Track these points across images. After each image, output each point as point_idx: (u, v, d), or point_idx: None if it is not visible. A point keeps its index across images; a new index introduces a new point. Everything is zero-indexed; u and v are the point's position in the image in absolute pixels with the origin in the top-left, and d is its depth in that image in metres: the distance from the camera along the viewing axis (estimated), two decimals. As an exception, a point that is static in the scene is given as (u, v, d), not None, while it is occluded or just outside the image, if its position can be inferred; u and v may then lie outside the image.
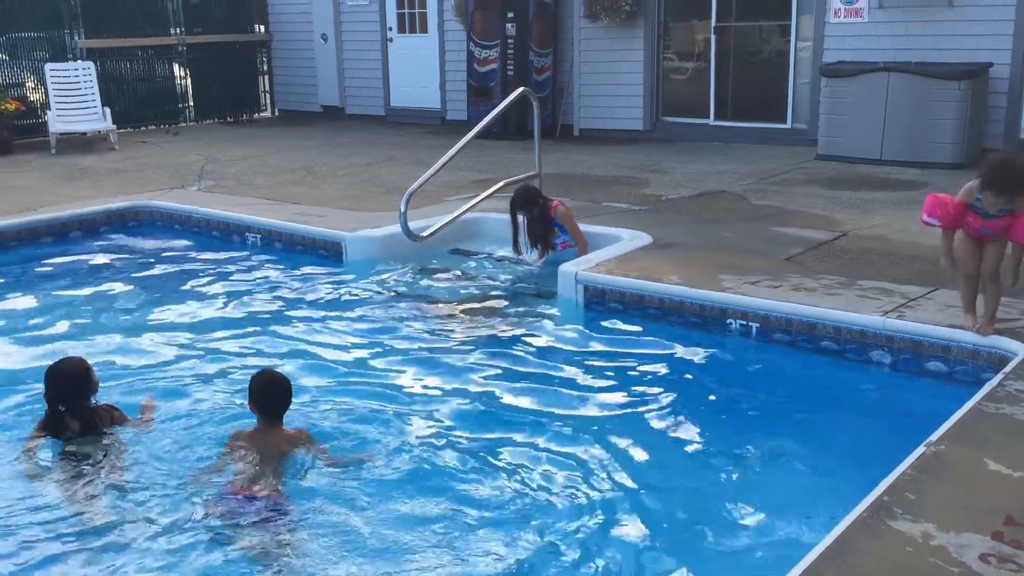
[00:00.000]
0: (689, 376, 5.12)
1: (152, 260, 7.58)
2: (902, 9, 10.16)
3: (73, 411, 4.16)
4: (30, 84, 13.50)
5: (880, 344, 5.02)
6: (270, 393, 4.09)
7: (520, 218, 6.89)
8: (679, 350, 5.41)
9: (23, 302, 6.47)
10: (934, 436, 3.76)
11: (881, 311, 5.12)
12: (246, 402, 4.15)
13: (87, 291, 6.67)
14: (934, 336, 4.87)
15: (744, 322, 5.42)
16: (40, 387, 4.27)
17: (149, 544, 3.54)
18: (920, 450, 3.64)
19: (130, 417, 4.37)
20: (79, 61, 13.22)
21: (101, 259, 7.62)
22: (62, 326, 5.88)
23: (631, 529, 3.66)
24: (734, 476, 4.08)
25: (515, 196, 6.87)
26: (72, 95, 12.72)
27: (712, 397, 4.91)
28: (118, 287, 6.77)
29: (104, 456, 4.08)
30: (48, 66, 12.76)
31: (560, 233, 6.93)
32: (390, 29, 14.58)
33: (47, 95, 12.72)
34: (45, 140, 12.33)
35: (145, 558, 3.46)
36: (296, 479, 3.91)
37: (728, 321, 5.48)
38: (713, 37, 11.91)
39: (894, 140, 9.79)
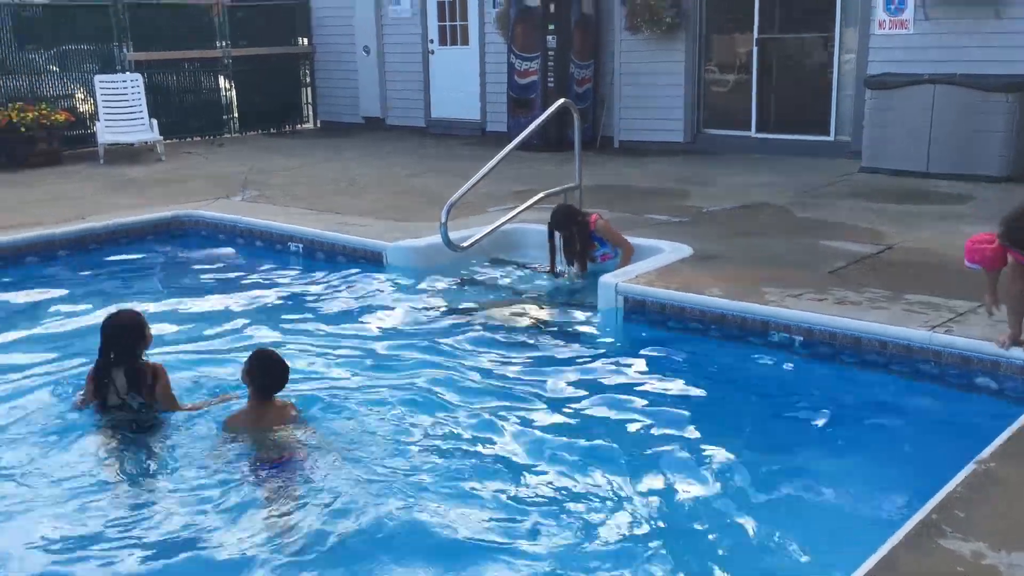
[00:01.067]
0: (730, 389, 5.07)
1: (195, 268, 7.69)
2: (948, 20, 10.02)
3: (121, 360, 4.37)
4: (80, 95, 13.78)
5: (927, 359, 4.94)
6: (273, 371, 4.28)
7: (557, 237, 6.87)
8: (720, 363, 5.37)
9: (71, 308, 6.58)
10: (984, 453, 3.70)
11: (928, 325, 5.04)
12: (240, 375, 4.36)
13: (132, 299, 6.76)
14: (982, 352, 4.78)
15: (787, 335, 5.36)
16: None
17: (185, 513, 3.80)
18: (970, 467, 3.58)
19: (176, 395, 4.58)
20: (127, 73, 13.47)
21: (147, 267, 7.74)
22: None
23: (669, 539, 3.63)
24: (777, 492, 4.03)
25: (554, 216, 6.86)
26: (120, 106, 12.96)
27: (753, 411, 4.86)
28: (163, 295, 6.87)
29: (141, 433, 4.33)
30: (97, 78, 13.02)
31: (600, 246, 6.91)
32: (431, 41, 14.68)
33: (96, 106, 12.98)
34: (94, 150, 12.57)
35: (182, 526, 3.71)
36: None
37: (770, 334, 5.42)
38: (755, 49, 11.85)
39: (940, 153, 9.65)
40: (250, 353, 4.41)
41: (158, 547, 3.59)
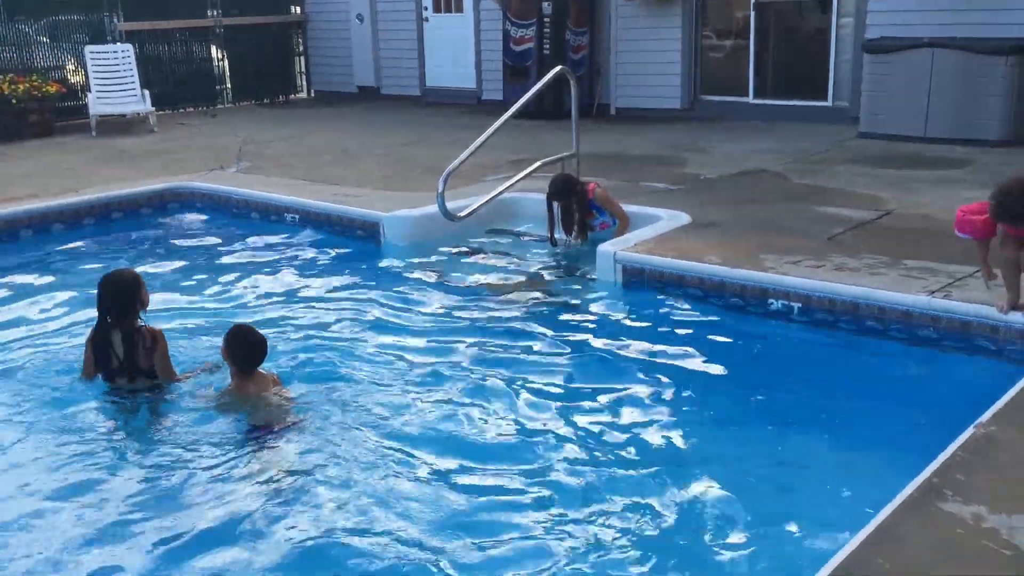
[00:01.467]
0: (730, 356, 5.06)
1: (190, 241, 7.65)
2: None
3: (118, 321, 4.42)
4: (71, 66, 13.66)
5: (926, 324, 4.93)
6: (250, 346, 4.33)
7: (556, 206, 6.83)
8: (719, 331, 5.36)
9: (65, 280, 6.55)
10: (984, 417, 3.70)
11: (927, 291, 5.03)
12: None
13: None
14: (982, 316, 4.77)
15: (786, 302, 5.35)
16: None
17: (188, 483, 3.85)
18: (970, 431, 3.58)
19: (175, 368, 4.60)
20: (118, 44, 13.33)
21: (141, 239, 7.70)
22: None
23: (666, 505, 3.63)
24: (777, 458, 4.03)
25: (552, 185, 6.82)
26: (112, 77, 12.84)
27: (753, 379, 4.84)
28: (158, 267, 6.83)
29: (141, 403, 4.39)
30: (88, 48, 12.88)
31: (598, 215, 6.88)
32: (425, 9, 14.54)
33: (87, 77, 12.85)
34: (86, 122, 12.47)
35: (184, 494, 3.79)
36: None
37: (769, 301, 5.41)
38: (752, 14, 11.74)
39: (939, 117, 9.59)
40: (226, 331, 4.41)
41: (153, 518, 3.61)
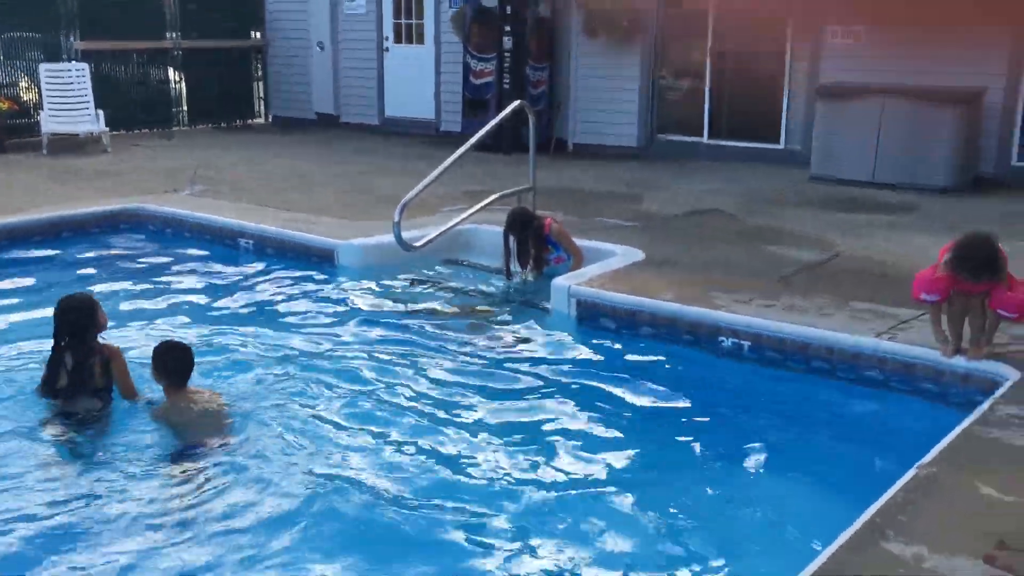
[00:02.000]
0: (680, 393, 5.09)
1: (142, 263, 7.53)
2: (899, 32, 10.20)
3: (73, 343, 4.41)
4: (24, 84, 13.44)
5: (872, 365, 5.02)
6: (173, 359, 4.38)
7: (512, 240, 6.86)
8: (670, 367, 5.40)
9: (9, 302, 6.41)
10: (926, 459, 3.76)
11: (873, 332, 5.13)
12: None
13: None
14: (926, 359, 4.88)
15: (736, 340, 5.42)
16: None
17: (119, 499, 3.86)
18: (912, 472, 3.64)
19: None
20: (74, 62, 13.17)
21: (91, 261, 7.57)
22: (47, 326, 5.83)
23: (614, 545, 3.63)
24: (721, 496, 4.06)
25: (509, 218, 6.85)
26: (65, 96, 12.66)
27: (702, 415, 4.88)
28: (107, 289, 6.71)
29: (85, 423, 4.37)
30: (42, 66, 12.70)
31: (553, 250, 6.91)
32: (386, 39, 14.59)
33: (40, 95, 12.66)
34: (37, 140, 12.25)
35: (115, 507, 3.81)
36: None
37: (720, 339, 5.47)
38: (709, 57, 11.96)
39: (888, 163, 9.82)
40: (152, 349, 4.46)
41: (75, 534, 3.61)
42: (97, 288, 6.68)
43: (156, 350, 4.44)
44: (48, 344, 4.53)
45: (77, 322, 4.44)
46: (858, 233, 7.79)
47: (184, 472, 4.01)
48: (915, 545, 3.12)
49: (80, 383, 4.41)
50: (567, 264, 6.82)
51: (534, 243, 6.84)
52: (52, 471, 4.05)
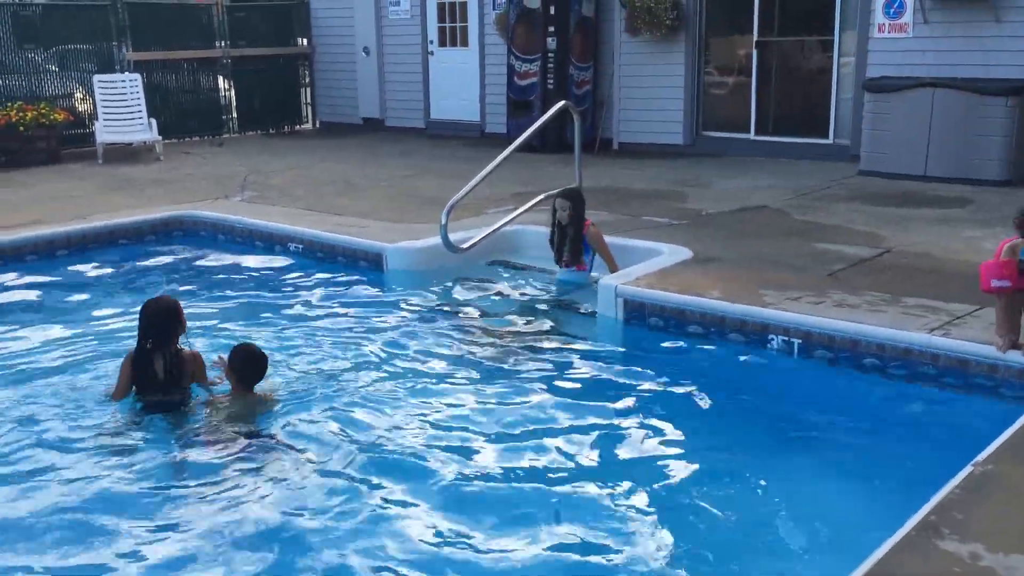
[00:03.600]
0: (729, 392, 5.08)
1: (195, 268, 7.69)
2: (946, 24, 10.04)
3: (159, 345, 4.58)
4: (79, 95, 13.78)
5: (925, 362, 4.95)
6: (250, 364, 4.60)
7: (555, 210, 6.78)
8: (719, 366, 5.38)
9: (72, 306, 6.58)
10: (982, 455, 3.71)
11: (926, 328, 5.06)
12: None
13: (132, 298, 6.77)
14: (980, 355, 4.80)
15: (786, 338, 5.37)
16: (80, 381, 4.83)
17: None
18: (968, 469, 3.59)
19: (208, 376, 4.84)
20: (126, 73, 13.47)
21: (147, 267, 7.74)
22: (107, 329, 5.98)
23: (665, 545, 3.63)
24: (774, 495, 4.04)
25: (563, 190, 6.88)
26: (119, 106, 12.96)
27: (752, 414, 4.86)
28: (163, 293, 6.86)
29: (175, 417, 4.59)
30: (96, 77, 13.02)
31: (583, 251, 6.86)
32: (431, 42, 14.69)
33: (95, 106, 12.97)
34: (92, 150, 12.57)
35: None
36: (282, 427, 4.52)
37: (770, 337, 5.43)
38: (755, 51, 11.87)
39: (939, 156, 9.67)
40: (231, 349, 4.65)
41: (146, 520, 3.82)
42: (150, 294, 6.83)
43: (236, 351, 4.63)
44: (109, 347, 4.67)
45: (163, 324, 4.61)
46: (909, 228, 7.68)
47: (232, 467, 4.17)
48: (971, 543, 3.08)
49: (167, 382, 4.60)
50: (586, 275, 6.76)
51: (573, 232, 6.76)
52: (139, 456, 4.28)
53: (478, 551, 3.58)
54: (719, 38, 12.48)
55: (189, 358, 4.70)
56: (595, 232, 6.83)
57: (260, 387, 4.72)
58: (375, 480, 4.08)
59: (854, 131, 10.85)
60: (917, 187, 9.41)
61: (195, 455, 4.28)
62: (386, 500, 3.93)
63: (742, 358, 5.41)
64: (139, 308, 4.74)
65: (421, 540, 3.65)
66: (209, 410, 4.60)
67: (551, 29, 12.42)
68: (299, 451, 4.29)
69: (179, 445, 4.37)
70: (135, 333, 4.74)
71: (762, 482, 4.13)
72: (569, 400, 4.98)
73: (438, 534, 3.70)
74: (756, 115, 12.00)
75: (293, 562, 3.52)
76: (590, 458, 4.33)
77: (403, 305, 6.57)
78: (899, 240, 7.24)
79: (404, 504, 3.92)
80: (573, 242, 6.78)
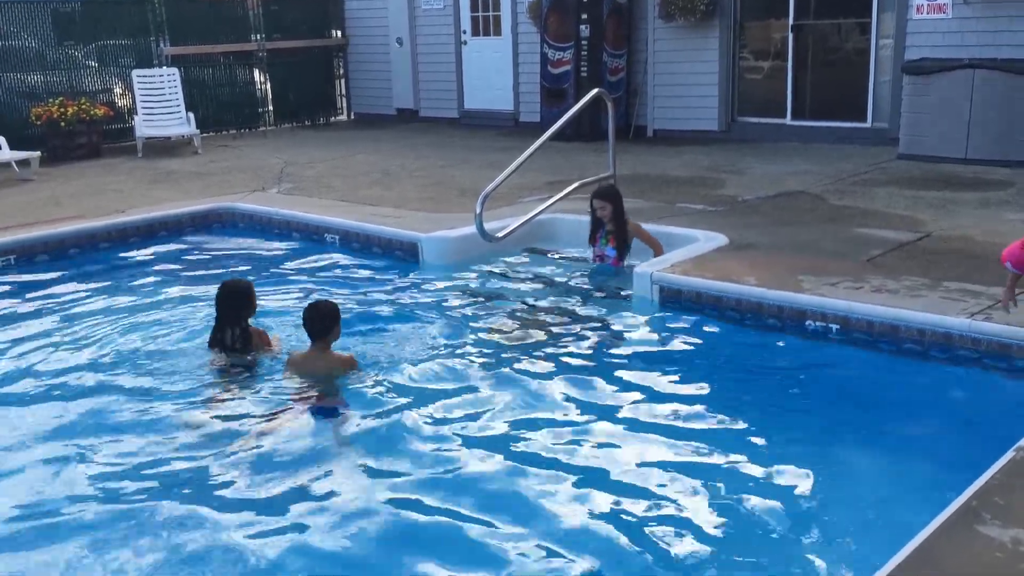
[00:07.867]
0: (767, 377, 5.06)
1: (235, 258, 7.78)
2: (986, 4, 9.87)
3: (231, 323, 5.07)
4: (118, 90, 13.99)
5: (966, 346, 4.90)
6: (308, 317, 4.87)
7: (598, 212, 6.80)
8: (756, 352, 5.35)
9: (113, 299, 6.70)
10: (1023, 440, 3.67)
11: (967, 313, 5.00)
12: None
13: (174, 289, 6.88)
14: (1022, 339, 4.73)
15: (824, 324, 5.34)
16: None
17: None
18: (1010, 454, 3.55)
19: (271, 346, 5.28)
20: (164, 67, 13.64)
21: (187, 258, 7.86)
22: (150, 319, 6.09)
23: (704, 528, 3.64)
24: (814, 480, 4.02)
25: (599, 187, 6.93)
26: (158, 100, 13.13)
27: (790, 399, 4.85)
28: (202, 285, 6.96)
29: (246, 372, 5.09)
30: (135, 72, 13.20)
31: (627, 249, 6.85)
32: (464, 32, 14.70)
33: (134, 100, 13.15)
34: (132, 144, 12.76)
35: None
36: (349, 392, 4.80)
37: (807, 323, 5.40)
38: (791, 35, 11.75)
39: (980, 139, 9.52)
40: None
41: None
42: (191, 285, 6.95)
43: (306, 312, 4.92)
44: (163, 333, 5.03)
45: (236, 302, 5.08)
46: (949, 211, 7.58)
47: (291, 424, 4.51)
48: (1012, 528, 3.06)
49: (236, 350, 5.09)
50: (621, 269, 6.75)
51: (616, 224, 6.76)
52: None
53: (543, 531, 3.64)
54: (754, 22, 12.37)
55: (255, 333, 5.15)
56: (633, 225, 6.83)
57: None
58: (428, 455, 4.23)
59: (893, 114, 10.71)
60: (958, 170, 9.28)
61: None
62: (437, 477, 3.99)
63: (779, 344, 5.38)
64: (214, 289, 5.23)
65: (470, 521, 3.70)
66: (287, 368, 4.96)
67: (584, 16, 12.37)
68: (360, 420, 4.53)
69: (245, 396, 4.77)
70: (171, 331, 5.30)
71: (802, 467, 4.11)
72: (605, 386, 4.99)
73: (489, 513, 3.76)
74: (792, 100, 11.88)
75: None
76: (620, 442, 4.34)
77: (438, 293, 6.60)
78: (939, 224, 7.15)
79: (454, 484, 3.98)
80: (619, 240, 6.78)
